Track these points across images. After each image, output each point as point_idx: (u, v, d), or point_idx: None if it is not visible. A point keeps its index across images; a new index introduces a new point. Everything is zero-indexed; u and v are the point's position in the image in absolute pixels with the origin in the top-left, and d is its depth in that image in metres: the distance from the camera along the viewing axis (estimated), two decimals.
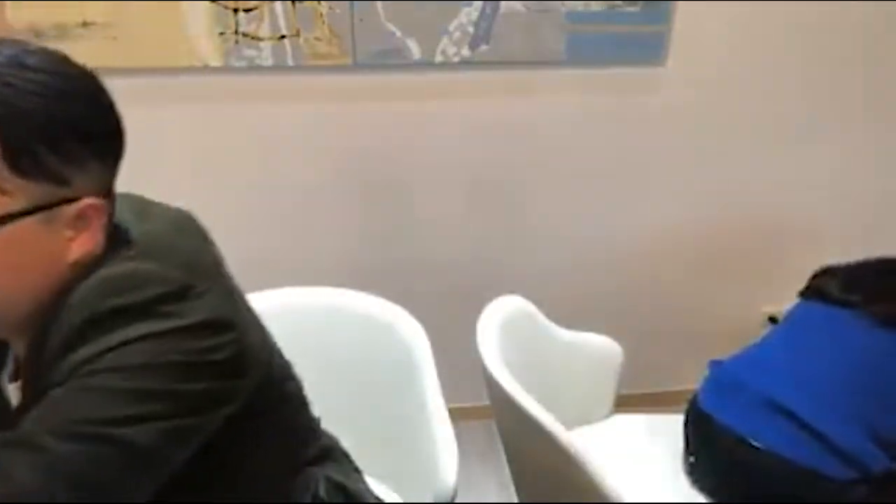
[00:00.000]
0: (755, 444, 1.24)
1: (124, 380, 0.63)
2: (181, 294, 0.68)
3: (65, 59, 0.67)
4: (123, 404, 0.63)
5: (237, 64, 1.70)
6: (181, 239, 0.78)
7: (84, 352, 0.64)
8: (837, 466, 1.19)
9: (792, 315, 1.46)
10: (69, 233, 0.67)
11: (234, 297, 0.77)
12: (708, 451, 1.35)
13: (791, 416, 1.24)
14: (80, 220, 0.68)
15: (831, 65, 1.95)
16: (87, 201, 0.67)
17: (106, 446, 0.62)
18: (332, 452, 1.01)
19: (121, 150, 0.72)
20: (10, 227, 0.63)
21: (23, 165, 0.62)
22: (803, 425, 1.22)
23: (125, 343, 0.64)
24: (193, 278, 0.70)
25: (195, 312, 0.68)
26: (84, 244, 0.69)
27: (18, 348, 0.73)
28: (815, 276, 1.47)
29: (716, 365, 1.43)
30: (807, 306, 1.43)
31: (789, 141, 2.03)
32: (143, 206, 0.80)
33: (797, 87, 1.96)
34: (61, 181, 0.65)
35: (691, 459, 1.38)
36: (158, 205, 0.83)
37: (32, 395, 0.67)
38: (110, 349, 0.64)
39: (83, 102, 0.66)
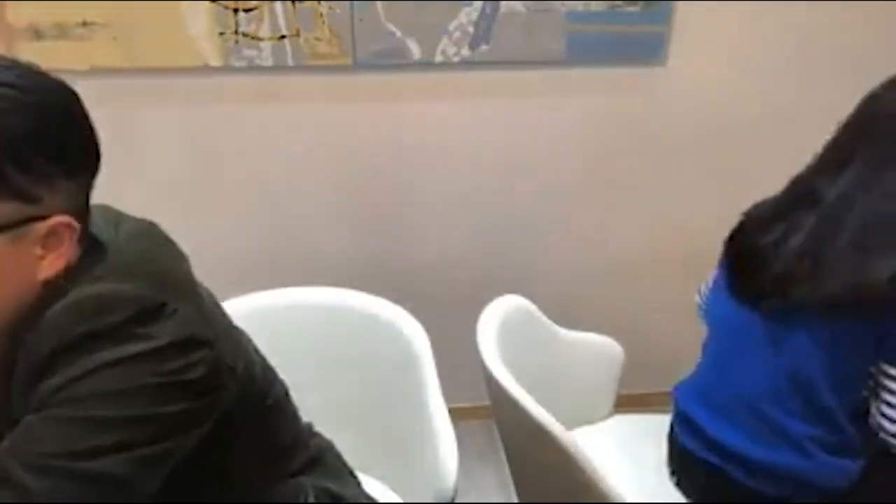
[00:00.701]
0: (718, 471, 1.18)
1: (98, 408, 0.63)
2: (153, 314, 0.67)
3: (39, 74, 0.66)
4: (98, 434, 0.62)
5: (237, 64, 1.70)
6: (151, 252, 0.77)
7: (56, 380, 0.63)
8: (790, 490, 1.12)
9: (708, 310, 1.33)
10: (39, 251, 0.66)
11: (205, 309, 0.76)
12: (684, 472, 1.31)
13: (726, 449, 1.16)
14: (51, 238, 0.66)
15: (832, 64, 1.94)
16: (58, 219, 0.66)
17: (82, 481, 0.61)
18: (323, 458, 1.01)
19: (95, 167, 0.71)
20: None
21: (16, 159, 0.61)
22: (738, 458, 1.15)
23: (98, 369, 0.63)
24: (165, 294, 0.69)
25: (167, 332, 0.67)
26: (55, 262, 0.67)
27: None
28: (728, 246, 1.24)
29: (675, 390, 1.34)
30: (712, 297, 1.28)
31: (789, 140, 2.03)
32: (114, 218, 0.79)
33: (797, 87, 1.96)
34: (30, 199, 0.64)
35: (674, 480, 1.34)
36: (128, 216, 0.82)
37: (3, 419, 0.67)
38: (83, 376, 0.63)
39: (55, 120, 0.65)
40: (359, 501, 1.01)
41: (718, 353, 1.25)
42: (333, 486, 0.97)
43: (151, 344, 0.65)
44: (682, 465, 1.30)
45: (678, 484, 1.33)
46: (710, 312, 1.33)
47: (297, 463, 0.95)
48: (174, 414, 0.67)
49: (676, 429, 1.29)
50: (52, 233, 0.66)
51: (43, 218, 0.65)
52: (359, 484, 1.07)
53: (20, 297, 0.67)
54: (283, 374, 0.96)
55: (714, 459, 1.19)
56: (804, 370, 1.08)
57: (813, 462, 1.10)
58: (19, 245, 0.64)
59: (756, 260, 1.14)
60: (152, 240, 0.80)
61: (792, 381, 1.09)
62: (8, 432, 0.64)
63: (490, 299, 1.37)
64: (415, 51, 1.74)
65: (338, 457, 1.06)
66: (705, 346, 1.32)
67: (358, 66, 1.74)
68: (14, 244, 0.64)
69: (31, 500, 0.59)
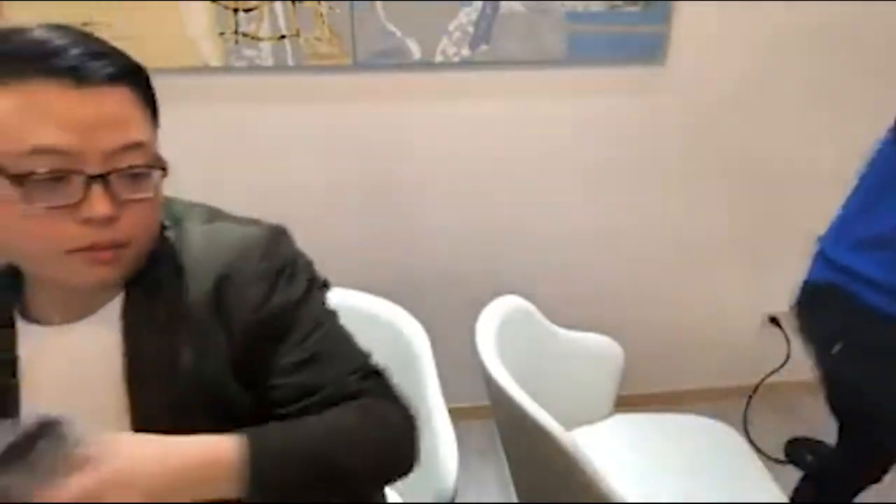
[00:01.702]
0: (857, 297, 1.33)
1: (328, 316, 0.84)
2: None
3: None
4: (351, 337, 0.85)
5: (237, 64, 1.70)
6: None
7: (280, 298, 0.77)
8: None
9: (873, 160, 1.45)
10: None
11: None
12: (817, 306, 1.44)
13: (863, 276, 1.33)
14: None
15: (831, 65, 1.95)
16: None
17: (373, 375, 0.83)
18: None
19: None
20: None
21: (151, 114, 0.73)
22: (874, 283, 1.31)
23: (310, 287, 0.82)
24: None
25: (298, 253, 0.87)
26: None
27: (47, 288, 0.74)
28: None
29: (820, 241, 1.50)
30: (882, 148, 1.41)
31: (789, 139, 2.03)
32: None
33: (797, 88, 1.96)
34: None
35: (800, 323, 1.46)
36: None
37: (166, 338, 0.74)
38: (306, 293, 0.80)
39: None
40: None
41: (872, 198, 1.41)
42: None
43: (306, 257, 0.87)
44: (815, 298, 1.45)
45: (802, 328, 1.47)
46: (875, 159, 1.45)
47: None
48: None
49: (814, 268, 1.47)
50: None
51: None
52: None
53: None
54: None
55: (854, 287, 1.35)
56: None
57: None
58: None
59: None
60: None
61: None
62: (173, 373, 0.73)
63: (490, 299, 1.37)
64: (415, 51, 1.74)
65: None
66: (852, 197, 1.49)
67: (358, 66, 1.74)
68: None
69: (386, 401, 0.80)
